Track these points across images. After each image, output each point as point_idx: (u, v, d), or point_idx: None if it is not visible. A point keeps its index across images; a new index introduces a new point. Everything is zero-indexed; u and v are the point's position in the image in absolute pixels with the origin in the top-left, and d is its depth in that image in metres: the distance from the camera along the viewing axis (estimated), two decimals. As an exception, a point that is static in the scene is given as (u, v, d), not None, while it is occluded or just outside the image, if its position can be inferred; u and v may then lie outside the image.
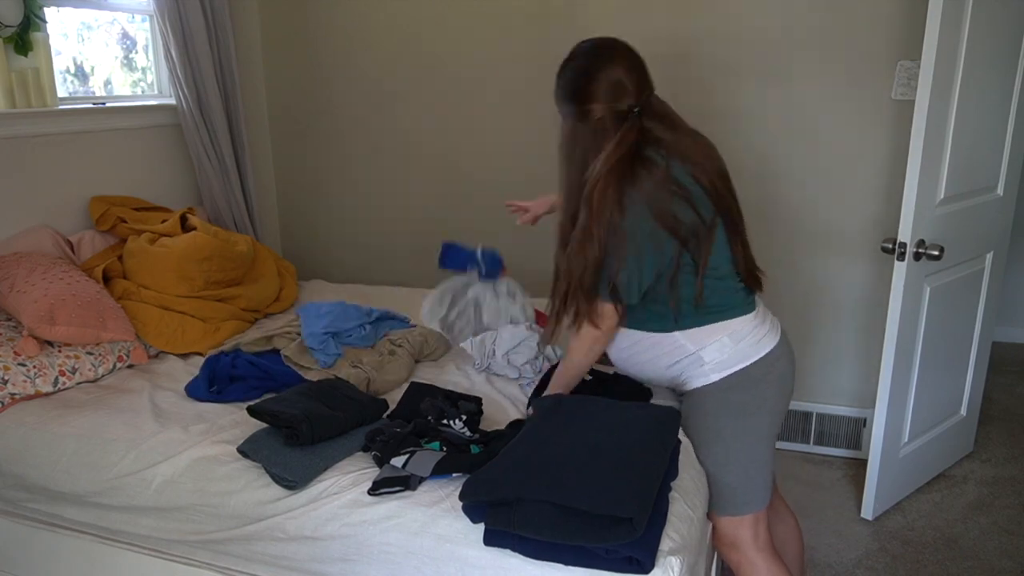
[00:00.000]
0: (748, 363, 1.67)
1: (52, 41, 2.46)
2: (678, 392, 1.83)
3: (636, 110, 1.61)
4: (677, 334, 1.68)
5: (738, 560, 1.74)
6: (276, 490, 1.59)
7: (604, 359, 1.97)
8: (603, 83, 1.60)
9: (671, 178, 1.57)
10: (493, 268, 2.30)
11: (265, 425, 1.70)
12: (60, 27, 2.65)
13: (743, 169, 2.82)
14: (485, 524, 1.41)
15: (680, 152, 1.61)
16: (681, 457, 1.65)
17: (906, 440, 2.59)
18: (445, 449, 1.62)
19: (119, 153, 2.72)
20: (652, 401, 1.84)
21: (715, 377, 1.68)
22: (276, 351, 2.24)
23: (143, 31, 2.99)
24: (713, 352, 1.67)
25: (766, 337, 1.70)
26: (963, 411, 2.84)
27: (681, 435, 1.71)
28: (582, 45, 1.67)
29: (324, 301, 2.47)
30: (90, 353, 2.13)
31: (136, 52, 3.01)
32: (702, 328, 1.66)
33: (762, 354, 1.68)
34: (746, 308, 1.70)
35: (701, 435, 1.72)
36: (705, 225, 1.60)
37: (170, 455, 1.71)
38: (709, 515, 1.74)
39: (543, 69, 2.97)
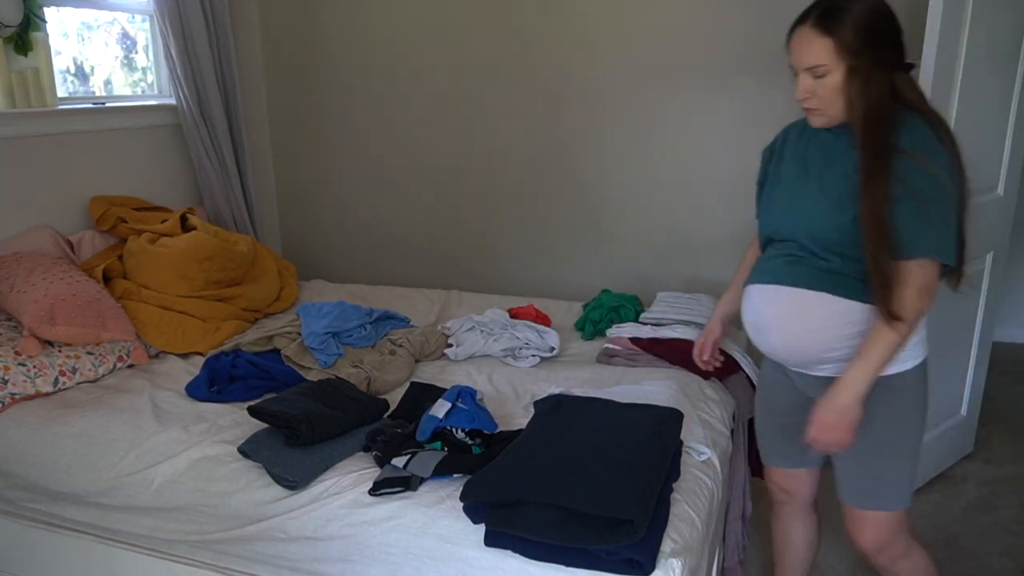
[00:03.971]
0: (926, 355, 1.56)
1: (52, 41, 2.46)
2: (831, 377, 1.56)
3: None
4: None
5: (894, 556, 1.62)
6: (277, 490, 1.59)
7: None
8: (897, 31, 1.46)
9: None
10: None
11: (265, 425, 1.70)
12: (60, 27, 2.65)
13: (742, 169, 2.81)
14: (486, 525, 1.41)
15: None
16: (685, 457, 1.65)
17: (906, 440, 2.59)
18: (446, 449, 1.62)
19: (119, 153, 2.71)
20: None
21: (910, 364, 1.52)
22: (276, 351, 2.24)
23: (143, 31, 2.99)
24: (913, 336, 1.49)
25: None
26: (963, 411, 2.84)
27: (684, 436, 1.70)
28: None
29: (324, 301, 2.47)
30: (90, 353, 2.13)
31: (136, 52, 3.00)
32: None
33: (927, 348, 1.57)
34: None
35: (888, 426, 1.53)
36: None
37: (170, 455, 1.71)
38: (854, 517, 1.60)
39: (544, 69, 2.99)
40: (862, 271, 1.46)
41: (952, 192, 1.42)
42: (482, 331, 2.31)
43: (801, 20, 1.48)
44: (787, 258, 1.55)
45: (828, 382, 1.50)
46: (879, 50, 1.43)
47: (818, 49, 1.44)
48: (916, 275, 1.42)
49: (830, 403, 1.47)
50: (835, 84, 1.45)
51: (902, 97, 1.47)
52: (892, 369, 1.50)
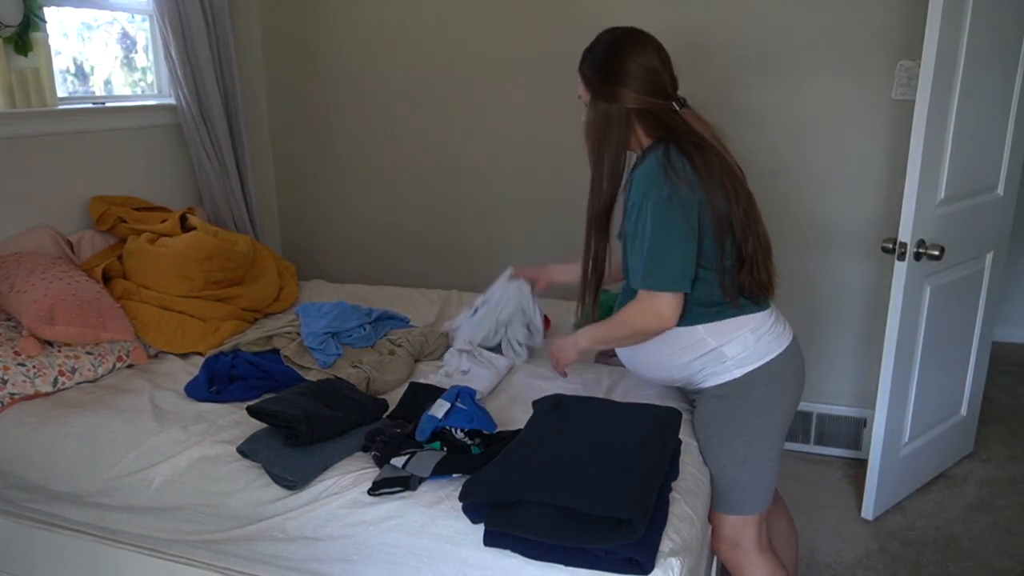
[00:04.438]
0: (769, 358, 1.65)
1: (52, 41, 2.46)
2: (690, 391, 1.81)
3: (681, 101, 1.66)
4: (699, 328, 1.65)
5: (739, 561, 1.73)
6: (276, 490, 1.59)
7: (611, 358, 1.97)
8: (638, 68, 1.62)
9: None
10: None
11: (265, 425, 1.70)
12: (60, 27, 2.65)
13: (743, 169, 2.82)
14: (485, 525, 1.41)
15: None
16: (682, 457, 1.65)
17: (906, 440, 2.59)
18: (445, 449, 1.62)
19: (119, 153, 2.71)
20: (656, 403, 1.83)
21: (737, 373, 1.65)
22: (276, 351, 2.24)
23: (143, 31, 2.99)
24: (736, 347, 1.65)
25: (784, 332, 1.70)
26: (963, 411, 2.84)
27: (684, 435, 1.71)
28: (622, 31, 1.70)
29: (324, 301, 2.47)
30: (90, 353, 2.13)
31: (136, 52, 3.00)
32: (724, 322, 1.64)
33: (781, 349, 1.67)
34: (763, 304, 1.69)
35: (719, 433, 1.69)
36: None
37: (170, 455, 1.71)
38: (711, 516, 1.73)
39: (545, 68, 2.98)
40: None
41: (669, 218, 1.54)
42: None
43: None
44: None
45: (703, 393, 1.71)
46: (606, 84, 1.64)
47: (579, 81, 1.71)
48: (640, 297, 1.62)
49: (565, 337, 1.86)
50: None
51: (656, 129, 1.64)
52: (717, 379, 1.67)
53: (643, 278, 1.57)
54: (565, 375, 1.99)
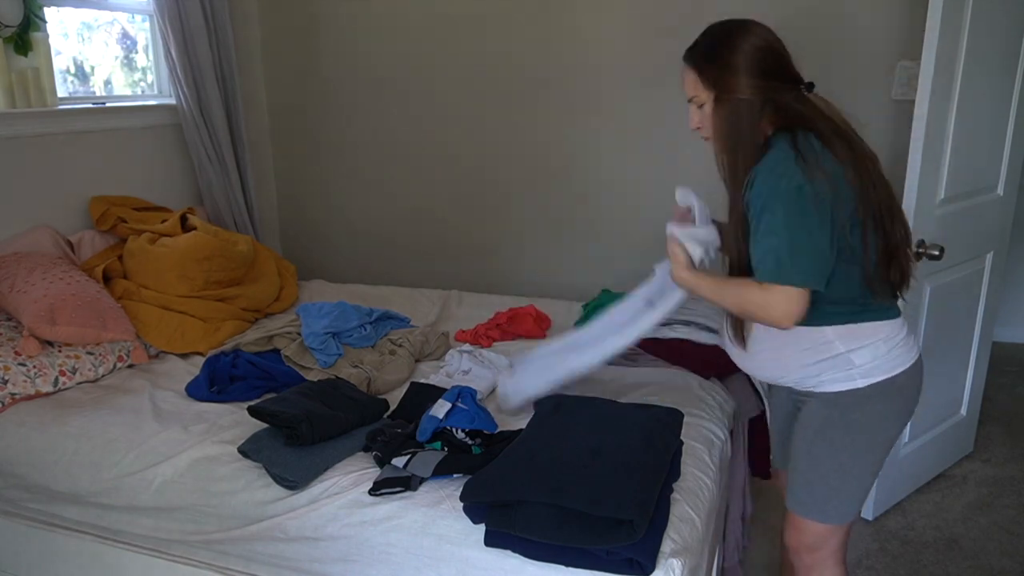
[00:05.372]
0: (896, 372, 1.51)
1: (52, 41, 2.46)
2: (798, 391, 1.63)
3: (809, 85, 1.52)
4: (828, 330, 1.50)
5: (812, 564, 1.65)
6: (277, 490, 1.59)
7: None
8: (756, 52, 1.48)
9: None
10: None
11: (265, 425, 1.70)
12: (60, 27, 2.65)
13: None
14: (486, 525, 1.41)
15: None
16: (683, 458, 1.65)
17: (906, 440, 2.59)
18: (446, 449, 1.62)
19: (119, 153, 2.71)
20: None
21: (861, 383, 1.51)
22: (276, 351, 2.24)
23: (143, 31, 2.99)
24: (865, 355, 1.50)
25: (914, 346, 1.57)
26: (963, 411, 2.84)
27: (685, 437, 1.70)
28: (736, 23, 1.53)
29: (324, 301, 2.47)
30: (90, 353, 2.13)
31: (136, 52, 3.00)
32: (857, 326, 1.50)
33: (909, 364, 1.53)
34: (896, 311, 1.55)
35: (830, 442, 1.55)
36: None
37: (170, 455, 1.71)
38: (792, 516, 1.64)
39: (543, 69, 2.98)
40: None
41: (802, 210, 1.38)
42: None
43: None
44: None
45: (817, 397, 1.56)
46: (729, 77, 1.47)
47: (689, 81, 1.54)
48: (767, 285, 1.43)
49: (684, 268, 1.59)
50: (708, 113, 1.51)
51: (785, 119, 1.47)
52: (838, 386, 1.52)
53: (775, 273, 1.40)
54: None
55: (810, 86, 1.50)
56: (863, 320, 1.49)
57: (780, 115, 1.46)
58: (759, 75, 1.45)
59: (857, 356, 1.50)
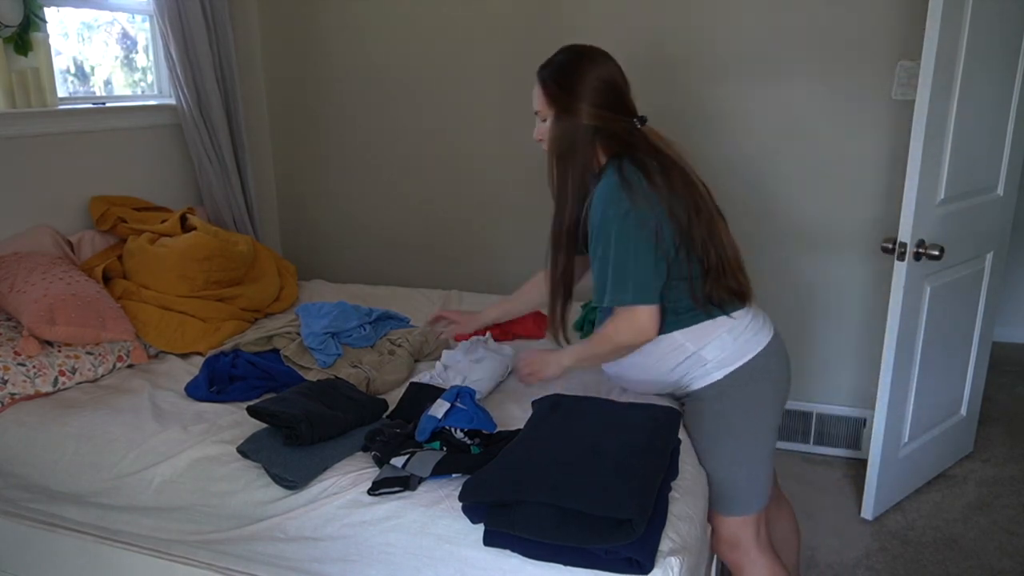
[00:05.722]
0: (749, 357, 1.67)
1: (52, 41, 2.46)
2: (679, 396, 1.82)
3: (642, 119, 1.67)
4: (676, 334, 1.67)
5: (739, 560, 1.74)
6: (276, 490, 1.59)
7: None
8: (599, 83, 1.65)
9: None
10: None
11: (265, 425, 1.70)
12: (60, 27, 2.65)
13: (742, 169, 2.82)
14: (485, 524, 1.41)
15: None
16: (681, 456, 1.65)
17: (906, 440, 2.59)
18: (445, 449, 1.62)
19: (119, 153, 2.72)
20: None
21: (719, 375, 1.67)
22: (276, 351, 2.24)
23: (143, 31, 2.99)
24: (714, 350, 1.66)
25: (763, 329, 1.71)
26: (963, 411, 2.84)
27: (682, 435, 1.71)
28: (585, 50, 1.69)
29: (324, 301, 2.47)
30: (90, 353, 2.13)
31: (136, 52, 3.01)
32: (699, 326, 1.66)
33: (761, 347, 1.68)
34: (738, 306, 1.70)
35: (710, 435, 1.70)
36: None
37: (170, 455, 1.71)
38: (710, 517, 1.74)
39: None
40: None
41: (627, 235, 1.55)
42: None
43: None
44: None
45: (690, 397, 1.73)
46: (569, 99, 1.64)
47: (537, 95, 1.70)
48: (617, 313, 1.63)
49: (549, 352, 1.83)
50: (548, 128, 1.69)
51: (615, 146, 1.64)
52: (701, 383, 1.69)
53: (610, 295, 1.58)
54: (531, 382, 1.93)
55: (642, 120, 1.67)
56: (705, 320, 1.65)
57: (612, 143, 1.64)
58: (598, 105, 1.62)
59: (707, 352, 1.66)
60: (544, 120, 1.70)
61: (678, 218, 1.58)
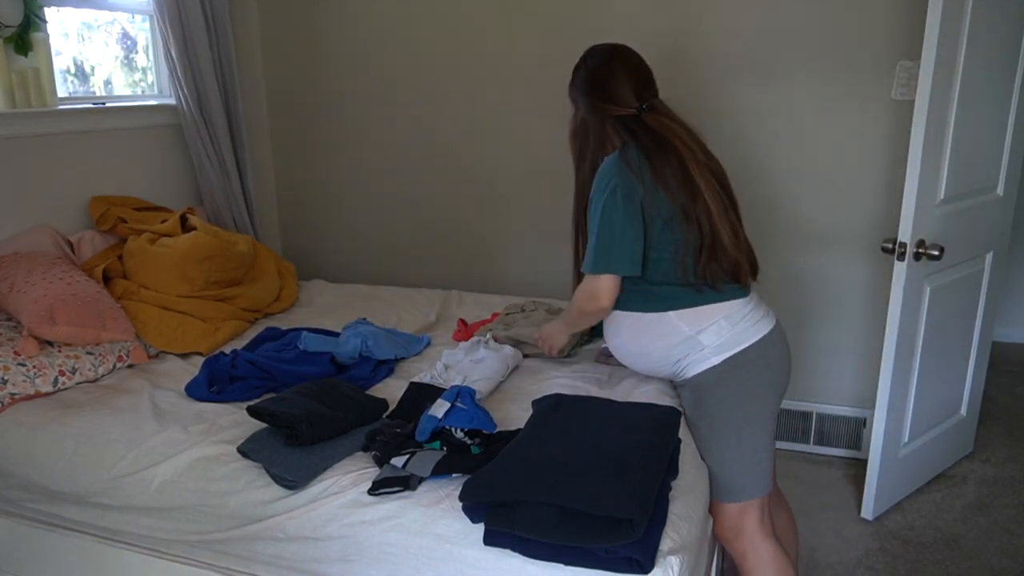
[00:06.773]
0: (745, 345, 1.70)
1: (52, 41, 2.46)
2: (677, 383, 1.85)
3: (643, 107, 1.76)
4: (671, 314, 1.71)
5: (743, 548, 1.74)
6: (276, 490, 1.59)
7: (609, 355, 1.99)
8: (599, 78, 1.78)
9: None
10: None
11: (265, 425, 1.70)
12: (60, 27, 2.65)
13: (742, 169, 2.82)
14: (485, 524, 1.41)
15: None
16: (681, 456, 1.65)
17: (906, 440, 2.59)
18: (445, 449, 1.62)
19: (119, 153, 2.72)
20: (651, 395, 1.83)
21: (715, 360, 1.70)
22: (297, 332, 2.28)
23: (143, 31, 2.99)
24: (711, 335, 1.70)
25: (763, 320, 1.75)
26: (963, 411, 2.84)
27: (683, 435, 1.71)
28: (596, 48, 1.84)
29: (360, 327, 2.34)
30: (90, 353, 2.13)
31: (136, 52, 3.01)
32: (696, 309, 1.70)
33: (759, 336, 1.71)
34: (739, 292, 1.74)
35: (709, 421, 1.73)
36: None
37: (170, 455, 1.71)
38: (712, 506, 1.75)
39: (546, 68, 2.98)
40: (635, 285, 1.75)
41: (613, 207, 1.66)
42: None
43: None
44: None
45: (688, 383, 1.77)
46: (580, 95, 1.81)
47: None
48: (584, 280, 1.76)
49: (552, 323, 2.09)
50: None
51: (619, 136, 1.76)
52: (698, 368, 1.73)
53: (591, 264, 1.70)
54: (555, 355, 2.16)
55: (647, 107, 1.76)
56: (702, 303, 1.70)
57: (621, 132, 1.76)
58: (594, 98, 1.78)
59: (704, 337, 1.70)
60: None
61: (673, 195, 1.66)
